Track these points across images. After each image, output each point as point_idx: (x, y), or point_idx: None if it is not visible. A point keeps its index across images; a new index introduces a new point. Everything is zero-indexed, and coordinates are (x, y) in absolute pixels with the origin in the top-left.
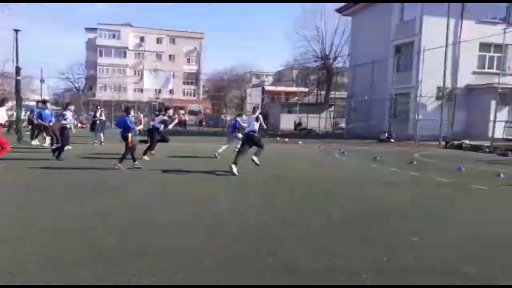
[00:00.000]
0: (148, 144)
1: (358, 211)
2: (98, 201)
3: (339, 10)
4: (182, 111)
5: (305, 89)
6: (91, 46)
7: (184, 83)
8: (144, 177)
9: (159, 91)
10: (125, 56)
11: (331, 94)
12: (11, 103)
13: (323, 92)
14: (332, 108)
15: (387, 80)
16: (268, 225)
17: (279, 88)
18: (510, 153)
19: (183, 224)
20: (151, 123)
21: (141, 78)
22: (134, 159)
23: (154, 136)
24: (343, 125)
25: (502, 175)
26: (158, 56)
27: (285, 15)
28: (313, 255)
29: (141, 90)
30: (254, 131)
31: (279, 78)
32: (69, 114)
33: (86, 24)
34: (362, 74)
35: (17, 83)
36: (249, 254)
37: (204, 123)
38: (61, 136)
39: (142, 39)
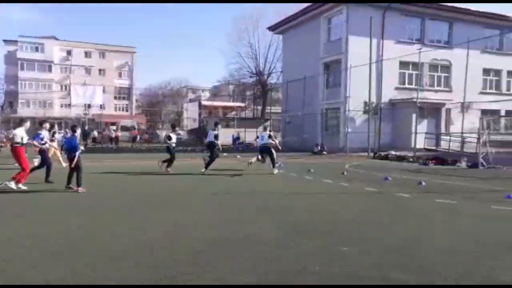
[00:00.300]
0: (209, 160)
1: (291, 223)
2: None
3: (270, 28)
4: (113, 127)
5: (242, 104)
6: (11, 59)
7: (115, 98)
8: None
9: (88, 106)
10: (50, 70)
11: (267, 109)
12: (29, 124)
13: (259, 107)
14: (268, 123)
15: (318, 96)
16: (200, 241)
17: (216, 103)
18: (430, 162)
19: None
20: (207, 139)
21: (69, 93)
22: (69, 182)
23: (213, 151)
24: (279, 139)
25: (423, 183)
26: (87, 70)
27: (221, 30)
28: (246, 269)
29: (69, 106)
30: (266, 144)
31: (215, 93)
32: (45, 133)
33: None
34: (295, 90)
35: None
36: (188, 272)
37: (139, 139)
38: (44, 158)
39: (69, 52)
